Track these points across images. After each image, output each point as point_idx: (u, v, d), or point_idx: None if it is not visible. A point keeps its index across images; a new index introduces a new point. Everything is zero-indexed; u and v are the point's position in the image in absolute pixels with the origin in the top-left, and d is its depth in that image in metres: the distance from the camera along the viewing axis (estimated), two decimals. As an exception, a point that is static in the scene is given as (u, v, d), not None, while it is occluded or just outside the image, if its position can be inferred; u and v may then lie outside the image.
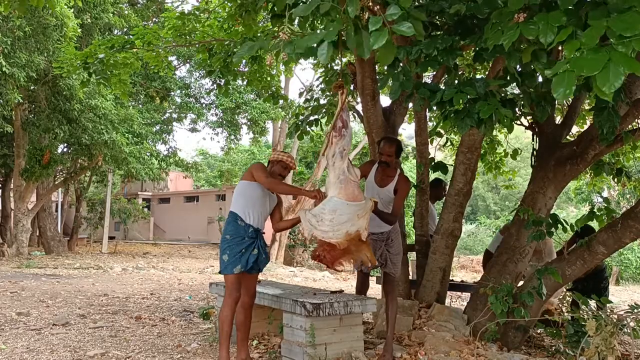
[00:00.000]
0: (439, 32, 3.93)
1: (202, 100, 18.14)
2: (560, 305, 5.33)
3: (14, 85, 11.61)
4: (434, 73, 5.87)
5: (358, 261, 3.86)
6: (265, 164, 4.10)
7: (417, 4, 3.80)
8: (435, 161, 5.81)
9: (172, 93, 17.13)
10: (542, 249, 5.73)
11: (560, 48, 4.16)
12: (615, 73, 2.03)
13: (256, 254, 3.98)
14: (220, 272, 3.98)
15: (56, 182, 17.95)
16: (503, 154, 7.85)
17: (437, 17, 3.93)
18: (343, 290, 4.67)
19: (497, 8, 2.98)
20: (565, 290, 5.42)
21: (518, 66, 3.73)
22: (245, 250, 3.93)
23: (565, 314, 4.65)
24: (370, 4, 2.66)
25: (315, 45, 2.72)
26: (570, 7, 2.57)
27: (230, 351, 3.94)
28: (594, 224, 5.03)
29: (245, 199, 3.99)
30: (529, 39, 2.69)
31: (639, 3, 2.19)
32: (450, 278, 5.69)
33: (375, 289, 8.61)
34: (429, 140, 5.99)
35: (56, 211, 23.83)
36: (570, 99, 6.05)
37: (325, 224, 3.62)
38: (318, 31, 2.83)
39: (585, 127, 7.31)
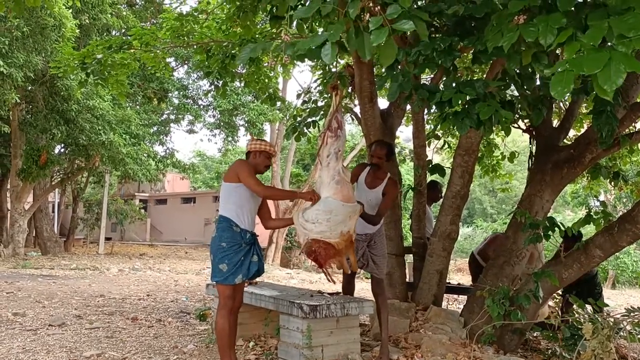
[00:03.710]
0: (437, 34, 3.94)
1: (200, 102, 18.10)
2: (556, 309, 5.33)
3: (12, 85, 11.57)
4: (432, 76, 5.88)
5: (346, 264, 3.89)
6: (244, 156, 3.97)
7: (415, 6, 3.81)
8: (433, 164, 5.82)
9: (170, 94, 17.09)
10: (537, 252, 5.70)
11: (557, 51, 4.17)
12: (617, 71, 2.03)
13: (257, 261, 3.86)
14: (217, 282, 3.79)
15: (53, 183, 17.89)
16: (500, 157, 7.87)
17: (435, 19, 3.94)
18: (340, 292, 4.67)
19: (495, 10, 2.99)
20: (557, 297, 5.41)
21: (517, 69, 3.74)
22: (245, 258, 3.78)
23: (559, 318, 4.65)
24: (371, 4, 2.66)
25: (317, 46, 2.73)
26: (570, 9, 2.58)
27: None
28: (591, 228, 5.03)
29: (235, 203, 3.80)
30: (528, 42, 2.70)
31: (639, 4, 2.20)
32: (447, 280, 5.70)
33: (368, 291, 8.60)
34: (426, 142, 6.00)
35: (53, 212, 23.74)
36: (567, 102, 6.08)
37: (322, 224, 3.63)
38: (320, 32, 2.84)
39: (583, 130, 7.33)
